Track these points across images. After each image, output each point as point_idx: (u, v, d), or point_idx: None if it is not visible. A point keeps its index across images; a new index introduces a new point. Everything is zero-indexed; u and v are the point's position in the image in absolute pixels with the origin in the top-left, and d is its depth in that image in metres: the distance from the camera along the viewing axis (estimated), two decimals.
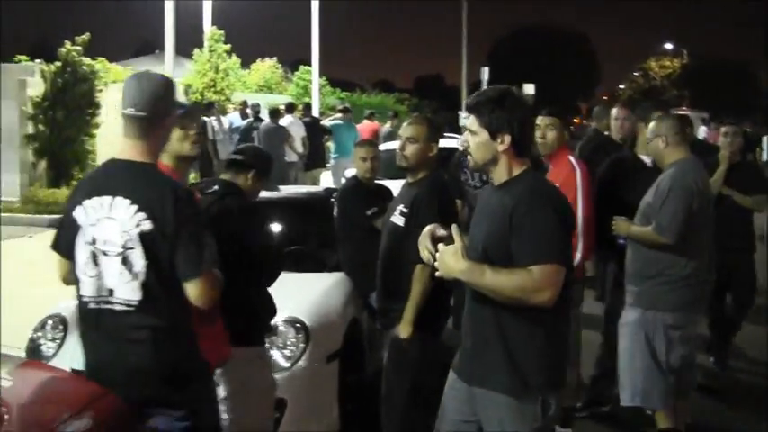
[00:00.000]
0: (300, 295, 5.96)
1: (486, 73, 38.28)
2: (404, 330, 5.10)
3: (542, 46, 71.48)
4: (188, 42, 28.12)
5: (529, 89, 34.65)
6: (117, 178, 3.75)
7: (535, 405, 3.63)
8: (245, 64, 31.58)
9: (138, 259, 3.66)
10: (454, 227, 3.69)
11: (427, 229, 3.95)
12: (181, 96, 24.35)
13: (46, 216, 16.41)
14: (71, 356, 5.12)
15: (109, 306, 3.72)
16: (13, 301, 7.92)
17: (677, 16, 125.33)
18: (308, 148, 17.93)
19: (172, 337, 3.75)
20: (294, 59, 39.73)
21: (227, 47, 26.79)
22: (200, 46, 26.91)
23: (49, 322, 5.99)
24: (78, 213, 3.76)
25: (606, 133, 8.91)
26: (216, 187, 4.86)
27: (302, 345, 5.50)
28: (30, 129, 18.95)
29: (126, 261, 3.68)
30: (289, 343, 5.51)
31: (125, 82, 3.86)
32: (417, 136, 5.26)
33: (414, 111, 36.47)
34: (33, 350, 5.87)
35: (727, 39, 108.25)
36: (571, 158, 6.31)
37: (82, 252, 3.77)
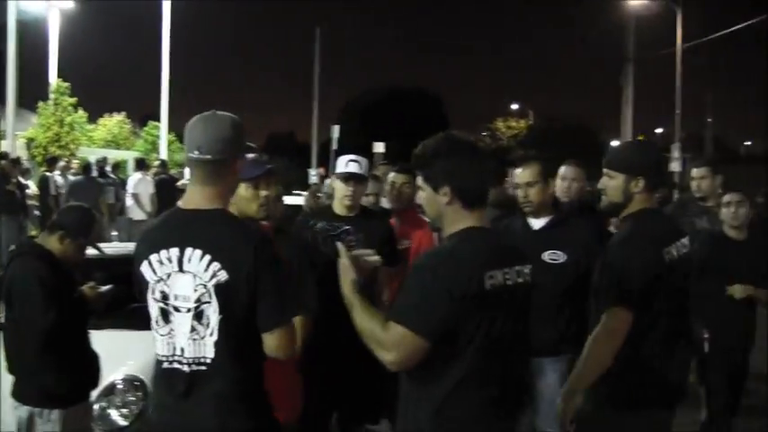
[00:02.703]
0: (139, 353, 5.81)
1: (336, 131, 38.49)
2: None
3: (394, 105, 72.49)
4: (32, 94, 27.47)
5: (379, 147, 34.98)
6: (185, 228, 3.48)
7: None
8: (93, 118, 31.06)
9: (214, 314, 3.40)
10: (339, 243, 3.65)
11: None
12: (22, 151, 23.76)
13: None
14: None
15: (179, 366, 3.45)
16: None
17: (524, 77, 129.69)
18: (156, 205, 17.68)
19: (244, 399, 3.49)
20: (143, 114, 39.36)
21: (73, 100, 26.33)
22: (45, 98, 26.33)
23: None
24: (145, 269, 3.50)
25: None
26: (12, 247, 4.73)
27: (141, 403, 5.37)
28: None
29: (200, 316, 3.42)
30: (127, 402, 5.39)
31: (189, 124, 3.54)
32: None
33: (274, 168, 36.38)
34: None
35: (573, 100, 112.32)
36: (421, 215, 6.44)
37: (153, 309, 3.51)
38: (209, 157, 3.45)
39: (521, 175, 5.45)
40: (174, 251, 3.43)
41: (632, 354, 4.06)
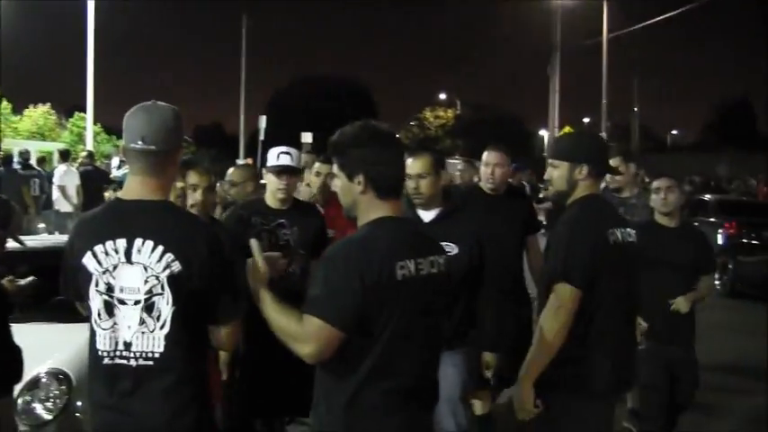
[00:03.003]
0: (63, 346, 5.72)
1: (263, 121, 38.35)
2: None
3: (322, 96, 72.33)
4: None
5: (307, 137, 34.98)
6: (131, 219, 3.38)
7: None
8: (18, 109, 30.52)
9: (166, 305, 3.33)
10: (253, 241, 3.58)
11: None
12: None
13: None
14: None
15: (123, 362, 3.36)
16: None
17: (454, 68, 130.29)
18: (82, 197, 17.45)
19: (192, 394, 3.43)
20: (69, 106, 38.71)
21: None
22: None
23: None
24: (88, 261, 3.38)
25: None
26: None
27: (66, 396, 5.31)
28: None
29: (150, 309, 3.34)
30: (51, 395, 5.33)
31: (129, 114, 3.46)
32: (211, 183, 5.41)
33: (192, 159, 36.17)
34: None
35: (501, 91, 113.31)
36: None
37: (95, 302, 3.39)
38: (153, 147, 3.39)
39: (411, 165, 5.27)
40: (121, 242, 3.36)
41: (581, 337, 4.15)
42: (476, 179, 11.62)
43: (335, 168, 3.52)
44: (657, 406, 6.29)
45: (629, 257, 4.38)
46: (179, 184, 4.15)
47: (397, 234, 3.42)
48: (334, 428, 3.34)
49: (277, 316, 3.34)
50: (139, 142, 3.39)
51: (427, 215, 5.39)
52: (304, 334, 3.23)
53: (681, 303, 6.26)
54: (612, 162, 6.66)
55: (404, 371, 3.34)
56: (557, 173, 4.41)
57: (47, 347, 5.41)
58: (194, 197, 5.22)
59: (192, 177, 5.26)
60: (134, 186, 3.47)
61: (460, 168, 12.09)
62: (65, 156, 18.39)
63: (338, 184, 3.52)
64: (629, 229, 4.44)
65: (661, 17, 33.78)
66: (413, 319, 3.34)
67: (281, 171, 5.80)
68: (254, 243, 3.58)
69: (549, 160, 4.50)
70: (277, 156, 5.85)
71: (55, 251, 7.40)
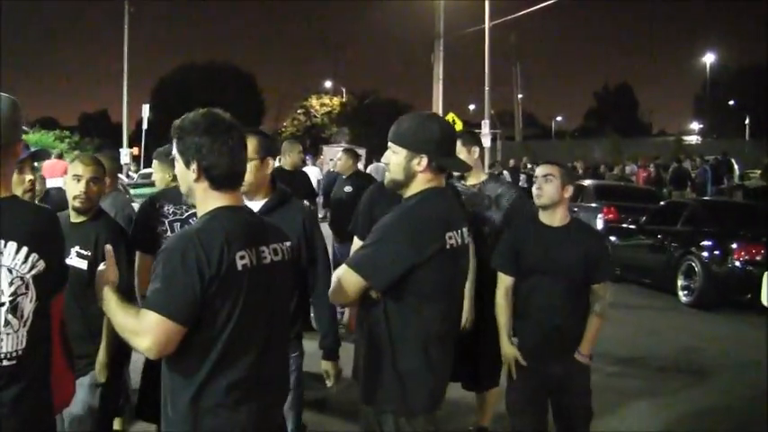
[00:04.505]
0: None
1: (146, 110, 37.79)
2: (101, 375, 5.18)
3: (206, 83, 71.60)
4: None
5: None
6: None
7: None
8: None
9: (29, 303, 3.21)
10: (107, 247, 3.53)
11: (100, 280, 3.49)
12: None
13: None
14: None
15: None
16: None
17: (340, 57, 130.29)
18: None
19: (43, 387, 3.33)
20: None
21: None
22: None
23: None
24: None
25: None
26: None
27: None
28: None
29: (15, 310, 3.18)
30: None
31: None
32: (98, 174, 5.24)
33: (75, 148, 35.40)
34: None
35: (387, 79, 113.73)
36: None
37: None
38: None
39: None
40: None
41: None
42: (358, 167, 11.65)
43: (175, 153, 3.42)
44: None
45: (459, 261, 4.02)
46: (28, 177, 4.03)
47: (235, 224, 3.33)
48: (180, 429, 3.29)
49: (118, 315, 3.31)
50: None
51: (253, 206, 4.57)
52: (142, 328, 3.17)
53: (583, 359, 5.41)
54: None
55: (250, 363, 3.30)
56: (395, 159, 3.96)
57: None
58: (78, 188, 5.12)
59: (77, 168, 5.17)
60: None
61: (339, 157, 12.12)
62: None
63: (177, 169, 3.43)
64: (464, 230, 4.00)
65: (542, 5, 34.26)
66: (257, 309, 3.31)
67: None
68: (108, 249, 3.54)
69: (390, 143, 3.97)
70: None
71: None
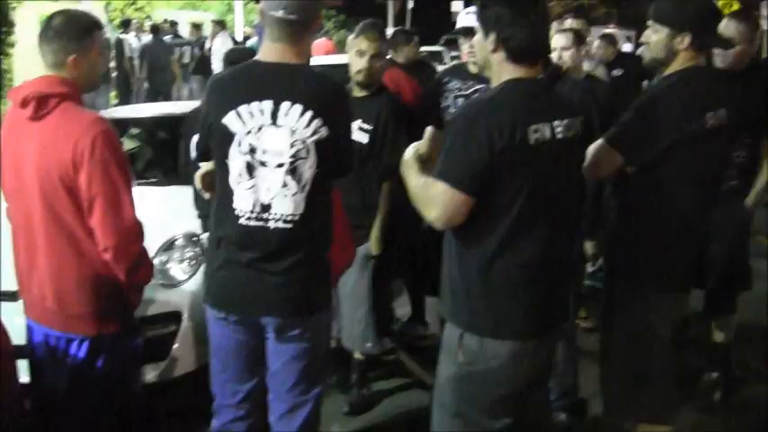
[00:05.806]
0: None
1: None
2: (374, 247, 5.25)
3: None
4: None
5: (457, 6, 34.17)
6: (276, 81, 3.47)
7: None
8: None
9: (309, 169, 3.44)
10: (430, 129, 3.44)
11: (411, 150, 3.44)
12: (101, 14, 23.85)
13: None
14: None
15: (260, 223, 3.49)
16: None
17: None
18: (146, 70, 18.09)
19: (320, 259, 3.63)
20: None
21: None
22: None
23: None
24: (230, 121, 3.44)
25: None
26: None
27: (199, 258, 5.47)
28: None
29: (294, 172, 3.44)
30: (186, 257, 5.52)
31: None
32: (381, 51, 5.24)
33: (342, 27, 36.04)
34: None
35: None
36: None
37: (236, 162, 3.47)
38: (293, 17, 3.45)
39: (359, 43, 5.24)
40: (268, 104, 3.43)
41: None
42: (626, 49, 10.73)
43: (476, 21, 3.35)
44: None
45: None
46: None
47: (529, 96, 3.25)
48: (464, 306, 3.32)
49: (415, 180, 3.30)
50: (281, 11, 3.45)
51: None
52: (431, 198, 3.19)
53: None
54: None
55: (540, 241, 3.25)
56: (655, 37, 3.85)
57: (179, 211, 5.59)
58: (361, 63, 5.21)
59: (361, 43, 5.22)
60: (273, 51, 3.52)
61: (596, 45, 11.02)
62: (221, 25, 18.65)
63: (476, 38, 3.39)
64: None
65: None
66: (548, 186, 3.23)
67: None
68: (431, 130, 3.45)
69: (649, 21, 3.89)
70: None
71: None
